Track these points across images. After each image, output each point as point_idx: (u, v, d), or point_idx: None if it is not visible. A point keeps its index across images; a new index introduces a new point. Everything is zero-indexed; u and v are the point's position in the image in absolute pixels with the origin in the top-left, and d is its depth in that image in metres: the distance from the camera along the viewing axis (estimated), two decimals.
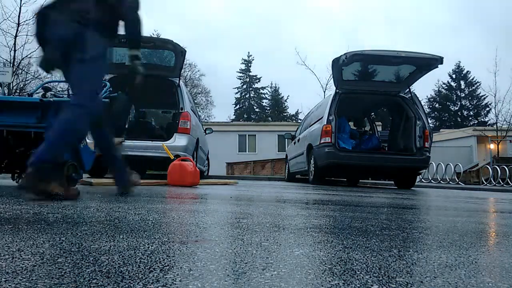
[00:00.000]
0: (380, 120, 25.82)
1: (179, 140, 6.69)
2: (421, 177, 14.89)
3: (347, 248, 1.49)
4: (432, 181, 16.09)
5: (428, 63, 7.56)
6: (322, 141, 7.68)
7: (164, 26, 68.35)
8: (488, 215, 3.45)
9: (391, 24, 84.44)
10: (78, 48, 2.59)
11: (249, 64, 53.44)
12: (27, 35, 17.80)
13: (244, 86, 53.58)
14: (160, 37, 30.24)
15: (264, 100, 54.06)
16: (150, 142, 6.87)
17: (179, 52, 6.69)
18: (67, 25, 2.62)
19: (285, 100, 53.17)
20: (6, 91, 16.79)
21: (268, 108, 53.34)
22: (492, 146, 25.55)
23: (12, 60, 17.95)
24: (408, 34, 77.08)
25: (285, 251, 1.39)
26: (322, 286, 1.00)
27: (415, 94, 8.38)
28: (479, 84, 44.42)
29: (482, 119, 45.87)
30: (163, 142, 6.52)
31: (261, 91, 53.76)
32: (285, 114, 51.62)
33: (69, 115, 2.54)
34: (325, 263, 1.24)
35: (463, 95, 48.10)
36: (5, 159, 3.56)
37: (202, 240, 1.53)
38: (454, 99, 48.33)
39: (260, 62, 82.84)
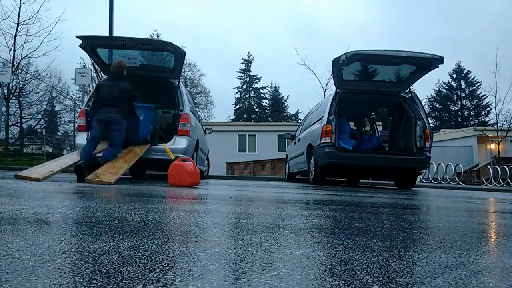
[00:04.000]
0: (381, 120, 25.81)
1: (178, 142, 6.69)
2: (421, 177, 14.87)
3: (347, 248, 1.49)
4: (432, 181, 16.07)
5: (428, 63, 7.54)
6: (322, 141, 7.66)
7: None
8: (488, 215, 3.44)
9: (389, 24, 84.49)
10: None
11: (249, 64, 53.46)
12: (26, 35, 17.84)
13: (244, 86, 53.58)
14: (160, 39, 30.32)
15: (264, 100, 54.09)
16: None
17: (179, 54, 6.68)
18: None
19: (285, 100, 53.22)
20: (5, 91, 16.81)
21: (268, 108, 53.35)
22: (492, 146, 25.54)
23: (11, 60, 17.96)
24: (408, 36, 77.09)
25: (285, 251, 1.39)
26: (322, 286, 1.00)
27: (416, 94, 8.36)
28: (480, 84, 44.43)
29: (482, 119, 45.87)
30: (164, 144, 6.53)
31: (261, 91, 53.80)
32: (285, 114, 51.63)
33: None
34: (325, 264, 1.24)
35: (464, 95, 48.11)
36: None
37: (202, 240, 1.52)
38: (455, 99, 48.34)
39: (260, 62, 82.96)
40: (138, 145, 6.41)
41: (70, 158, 5.84)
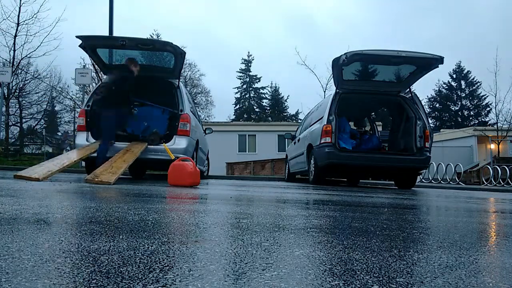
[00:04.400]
0: (380, 120, 25.80)
1: (178, 142, 6.69)
2: (421, 177, 14.87)
3: (347, 248, 1.49)
4: (432, 181, 16.07)
5: (428, 63, 7.54)
6: (322, 141, 7.66)
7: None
8: (488, 215, 3.44)
9: (389, 24, 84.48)
10: None
11: (249, 64, 53.45)
12: (26, 35, 17.84)
13: (244, 86, 53.57)
14: (160, 39, 30.28)
15: (264, 100, 54.08)
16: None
17: (179, 54, 6.68)
18: None
19: (285, 100, 53.22)
20: (5, 91, 16.80)
21: (268, 108, 53.33)
22: (492, 146, 25.54)
23: (11, 60, 17.96)
24: (408, 35, 77.07)
25: (285, 251, 1.39)
26: (322, 286, 1.00)
27: (416, 94, 8.36)
28: (480, 84, 44.38)
29: (482, 119, 45.86)
30: (164, 144, 6.54)
31: (261, 91, 53.79)
32: (285, 114, 51.62)
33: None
34: (325, 264, 1.24)
35: (464, 95, 48.10)
36: None
37: (202, 240, 1.52)
38: (455, 99, 48.33)
39: (260, 62, 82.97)
40: (136, 145, 6.42)
41: (67, 157, 5.84)
